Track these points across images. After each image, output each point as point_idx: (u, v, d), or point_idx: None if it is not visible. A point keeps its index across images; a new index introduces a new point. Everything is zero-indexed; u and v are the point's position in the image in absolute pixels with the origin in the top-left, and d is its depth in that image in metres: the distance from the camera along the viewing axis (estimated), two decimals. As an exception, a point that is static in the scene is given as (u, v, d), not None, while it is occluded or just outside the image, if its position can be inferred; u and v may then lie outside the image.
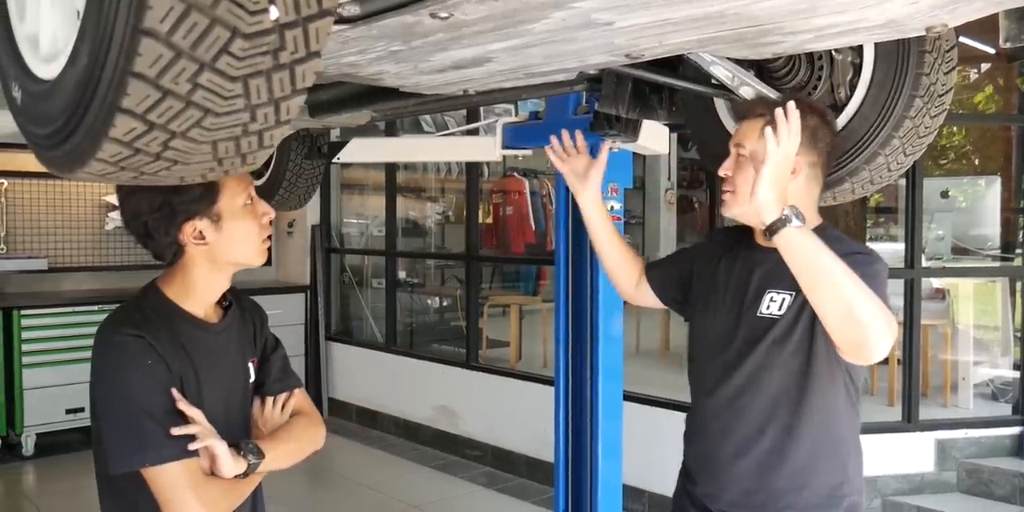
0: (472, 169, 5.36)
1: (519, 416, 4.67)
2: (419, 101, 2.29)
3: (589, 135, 2.36)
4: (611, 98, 1.88)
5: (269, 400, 1.53)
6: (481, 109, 5.32)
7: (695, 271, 1.79)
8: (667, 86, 1.91)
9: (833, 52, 1.66)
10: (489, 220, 7.57)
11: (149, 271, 1.63)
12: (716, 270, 1.71)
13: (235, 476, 1.33)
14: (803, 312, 1.50)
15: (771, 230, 1.36)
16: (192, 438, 1.27)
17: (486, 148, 2.89)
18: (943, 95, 1.61)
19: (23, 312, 4.91)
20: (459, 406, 5.16)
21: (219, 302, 1.47)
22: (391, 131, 5.48)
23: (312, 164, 3.36)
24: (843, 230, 2.61)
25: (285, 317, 5.97)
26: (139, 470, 1.26)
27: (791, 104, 1.38)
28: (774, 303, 1.56)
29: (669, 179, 9.47)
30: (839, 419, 1.57)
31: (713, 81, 1.72)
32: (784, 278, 1.46)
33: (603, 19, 1.28)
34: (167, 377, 1.30)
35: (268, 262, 6.46)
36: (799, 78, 1.71)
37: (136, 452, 1.26)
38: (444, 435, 5.21)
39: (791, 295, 1.52)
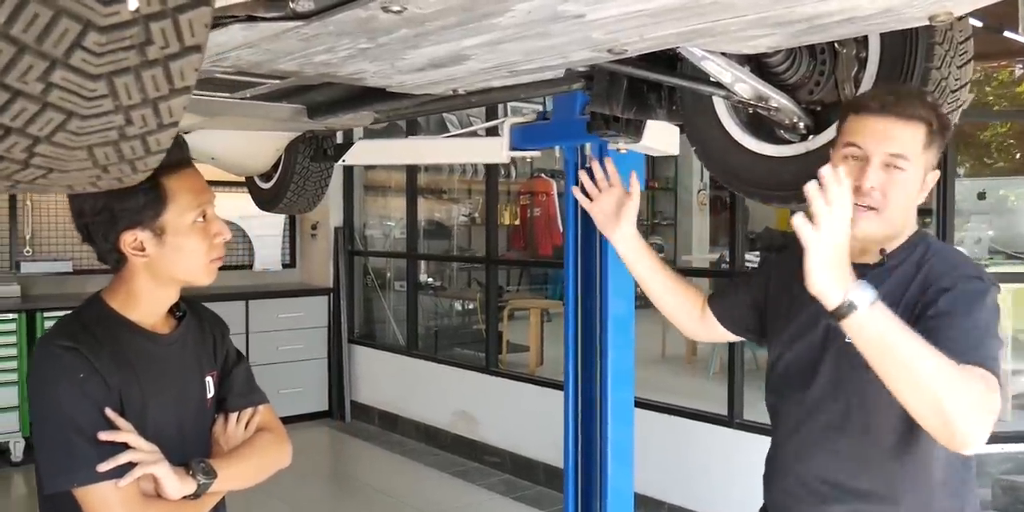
0: (492, 171, 5.26)
1: (538, 422, 4.57)
2: (416, 102, 2.21)
3: (589, 136, 2.27)
4: (603, 97, 1.78)
5: (232, 416, 1.45)
6: (508, 108, 5.23)
7: (770, 295, 1.58)
8: (663, 84, 1.81)
9: (836, 45, 1.54)
10: (517, 222, 7.50)
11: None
12: (795, 291, 1.46)
13: (184, 497, 1.26)
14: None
15: (836, 316, 1.13)
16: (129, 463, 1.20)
17: (493, 150, 2.81)
18: (957, 90, 1.48)
19: (47, 314, 4.93)
20: (478, 411, 5.08)
21: (171, 312, 1.40)
22: (412, 131, 5.43)
23: (320, 167, 3.30)
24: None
25: (308, 320, 5.97)
26: (71, 490, 1.20)
27: None
28: None
29: (702, 180, 9.26)
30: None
31: (712, 78, 1.62)
32: (882, 296, 1.33)
33: (572, 11, 1.19)
34: (103, 392, 1.23)
35: (292, 264, 6.53)
36: (800, 73, 1.60)
37: (65, 471, 1.19)
38: (463, 440, 5.14)
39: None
